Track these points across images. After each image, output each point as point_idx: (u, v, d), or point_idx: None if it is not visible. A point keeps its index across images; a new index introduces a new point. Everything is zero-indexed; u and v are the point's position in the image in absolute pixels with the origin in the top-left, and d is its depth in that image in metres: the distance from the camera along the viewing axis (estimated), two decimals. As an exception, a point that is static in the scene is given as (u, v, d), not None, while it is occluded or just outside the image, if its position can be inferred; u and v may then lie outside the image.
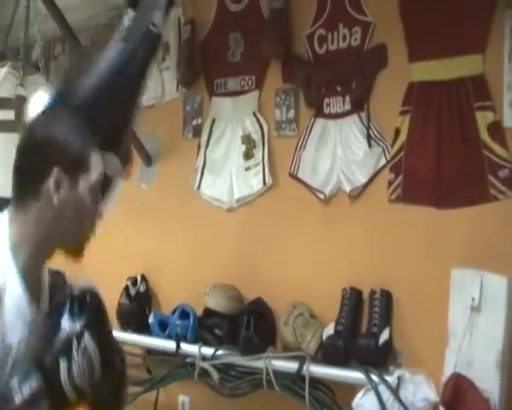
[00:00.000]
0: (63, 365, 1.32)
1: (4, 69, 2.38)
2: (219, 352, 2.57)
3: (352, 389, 2.19)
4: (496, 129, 2.14)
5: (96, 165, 1.41)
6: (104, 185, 1.45)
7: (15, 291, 1.35)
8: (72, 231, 1.42)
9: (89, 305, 1.39)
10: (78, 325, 1.35)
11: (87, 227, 1.44)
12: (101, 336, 1.37)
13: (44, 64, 2.68)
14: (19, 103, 2.34)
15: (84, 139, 1.42)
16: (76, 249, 1.46)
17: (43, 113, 1.54)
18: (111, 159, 1.44)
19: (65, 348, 1.33)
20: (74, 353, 1.32)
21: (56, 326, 1.36)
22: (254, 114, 2.88)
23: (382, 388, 2.09)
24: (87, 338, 1.34)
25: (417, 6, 2.34)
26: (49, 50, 3.61)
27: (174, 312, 2.83)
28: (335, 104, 2.57)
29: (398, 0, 2.38)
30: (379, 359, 2.22)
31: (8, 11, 2.58)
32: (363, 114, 2.49)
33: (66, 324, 1.36)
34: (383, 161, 2.43)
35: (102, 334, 1.38)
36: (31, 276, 1.39)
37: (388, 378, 2.10)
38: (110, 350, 1.41)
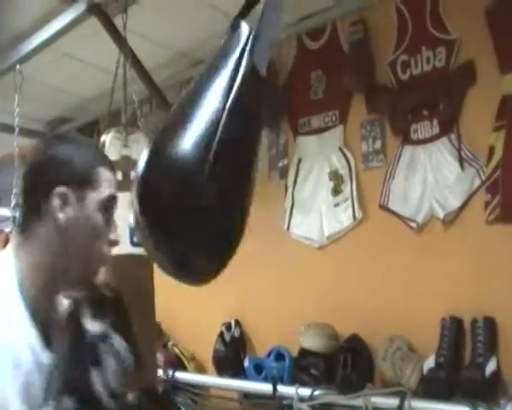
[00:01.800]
0: (96, 374, 1.25)
1: (110, 135, 2.49)
2: (317, 392, 2.49)
3: (458, 424, 2.03)
4: None
5: (106, 182, 1.30)
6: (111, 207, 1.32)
7: (26, 335, 1.19)
8: (83, 257, 1.27)
9: (108, 303, 1.33)
10: (101, 328, 1.29)
11: (99, 253, 1.29)
12: (125, 330, 1.33)
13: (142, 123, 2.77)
14: (124, 163, 2.44)
15: (93, 157, 1.31)
16: (87, 279, 1.31)
17: (54, 137, 1.46)
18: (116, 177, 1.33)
19: (93, 356, 1.26)
20: (104, 357, 1.26)
21: (80, 335, 1.29)
22: (340, 149, 2.84)
23: (493, 423, 1.93)
24: (114, 337, 1.29)
25: (505, 14, 2.25)
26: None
27: (269, 354, 2.80)
28: (423, 129, 2.50)
29: (485, 11, 2.30)
30: (487, 391, 2.05)
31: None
32: (452, 136, 2.40)
33: (90, 329, 1.29)
34: (478, 182, 2.32)
35: (126, 327, 1.34)
36: (41, 310, 1.23)
37: (499, 412, 1.94)
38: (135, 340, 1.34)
